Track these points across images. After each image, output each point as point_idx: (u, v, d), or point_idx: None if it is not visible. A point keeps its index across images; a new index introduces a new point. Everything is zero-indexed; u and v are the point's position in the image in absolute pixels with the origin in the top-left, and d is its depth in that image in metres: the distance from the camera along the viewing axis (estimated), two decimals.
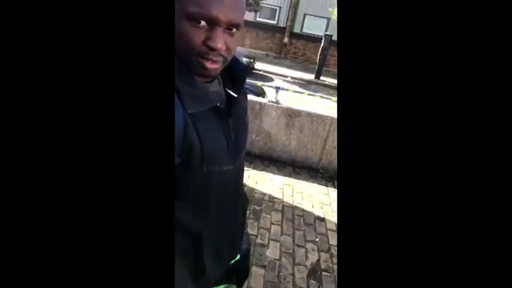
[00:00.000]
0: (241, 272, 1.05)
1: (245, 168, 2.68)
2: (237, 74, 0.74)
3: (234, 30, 0.59)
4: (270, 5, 14.52)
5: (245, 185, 2.98)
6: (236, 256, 0.98)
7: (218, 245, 0.81)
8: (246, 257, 1.05)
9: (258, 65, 11.04)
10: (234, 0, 0.56)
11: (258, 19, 15.18)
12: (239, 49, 11.13)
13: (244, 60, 9.76)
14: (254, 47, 15.41)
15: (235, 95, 0.73)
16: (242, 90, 0.75)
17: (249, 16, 14.49)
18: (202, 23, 0.56)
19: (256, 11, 13.08)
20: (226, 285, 1.05)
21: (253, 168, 3.37)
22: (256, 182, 3.09)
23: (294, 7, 14.32)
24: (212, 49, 0.57)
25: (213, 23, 0.56)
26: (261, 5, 12.51)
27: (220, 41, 0.57)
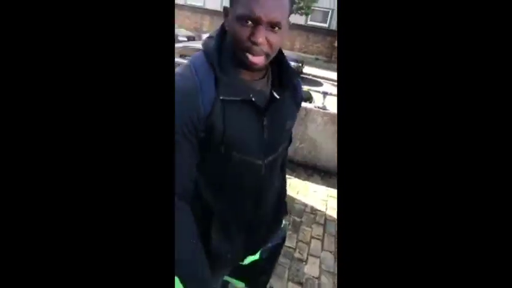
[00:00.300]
0: (260, 272, 1.07)
1: (287, 176, 2.55)
2: (283, 77, 0.84)
3: (276, 28, 0.69)
4: (322, 8, 14.30)
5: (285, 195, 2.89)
6: (255, 250, 1.02)
7: (229, 225, 0.89)
8: (268, 257, 1.07)
9: (307, 69, 10.90)
10: (275, 3, 0.67)
11: (309, 22, 15.02)
12: (288, 53, 11.10)
13: (292, 64, 9.69)
14: (304, 51, 15.26)
15: (278, 97, 0.81)
16: (288, 94, 0.85)
17: (299, 19, 14.40)
18: (249, 22, 0.68)
19: (307, 14, 12.96)
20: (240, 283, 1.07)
21: (296, 176, 3.26)
22: (298, 192, 2.98)
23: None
24: (255, 43, 0.69)
25: (256, 22, 0.67)
26: (312, 8, 12.38)
27: (261, 37, 0.68)
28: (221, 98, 0.74)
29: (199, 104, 0.73)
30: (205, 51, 0.78)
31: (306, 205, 2.79)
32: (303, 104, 3.41)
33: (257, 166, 0.84)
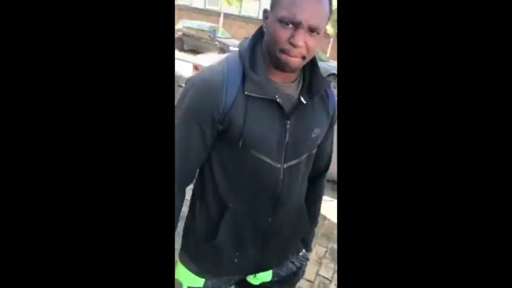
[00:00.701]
0: None
1: (327, 198, 2.44)
2: (314, 84, 0.85)
3: (315, 33, 0.73)
4: None
5: (326, 218, 2.79)
6: (267, 267, 1.00)
7: (241, 226, 0.89)
8: (281, 282, 1.04)
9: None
10: (316, 9, 0.71)
11: None
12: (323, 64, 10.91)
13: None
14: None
15: (304, 102, 0.83)
16: (318, 102, 0.87)
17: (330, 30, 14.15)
18: (290, 25, 0.71)
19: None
20: None
21: (330, 195, 3.14)
22: None
23: None
24: (294, 45, 0.72)
25: (297, 25, 0.71)
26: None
27: (300, 40, 0.71)
28: (246, 93, 0.77)
29: (222, 96, 0.76)
30: (240, 50, 0.83)
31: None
32: None
33: (275, 169, 0.84)
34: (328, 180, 3.43)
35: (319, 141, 0.92)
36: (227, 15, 16.55)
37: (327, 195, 3.14)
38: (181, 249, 0.97)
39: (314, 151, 0.93)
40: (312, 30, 0.71)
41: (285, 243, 1.00)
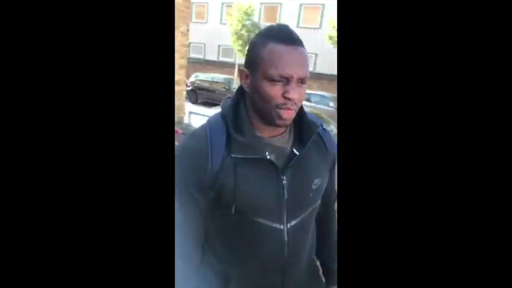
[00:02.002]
0: None
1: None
2: (303, 131, 0.86)
3: (304, 84, 0.78)
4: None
5: None
6: None
7: None
8: None
9: None
10: (302, 62, 0.76)
11: None
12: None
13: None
14: None
15: (297, 153, 0.83)
16: (313, 150, 0.87)
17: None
18: (280, 81, 0.75)
19: None
20: None
21: None
22: None
23: None
24: (289, 99, 0.75)
25: (288, 79, 0.75)
26: None
27: (295, 93, 0.75)
28: (232, 155, 0.78)
29: (208, 162, 0.77)
30: (222, 111, 0.85)
31: None
32: None
33: (278, 231, 0.82)
34: None
35: (322, 192, 0.91)
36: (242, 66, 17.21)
37: None
38: None
39: (318, 203, 0.90)
40: (301, 81, 0.76)
41: None
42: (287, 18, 16.58)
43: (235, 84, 12.57)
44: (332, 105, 9.72)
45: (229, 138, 0.79)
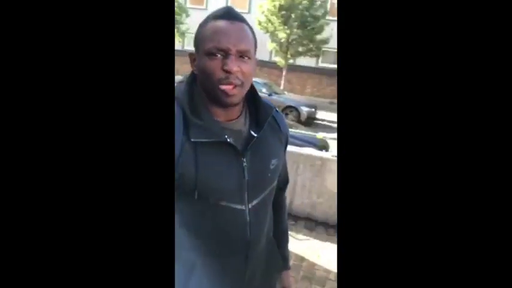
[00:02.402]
0: None
1: (305, 237, 2.49)
2: (259, 114, 0.90)
3: (246, 58, 0.79)
4: (334, 48, 14.89)
5: (304, 259, 2.79)
6: None
7: (215, 284, 0.89)
8: None
9: (321, 114, 11.09)
10: (241, 35, 0.79)
11: (321, 64, 15.59)
12: (299, 98, 11.38)
13: (304, 109, 9.88)
14: (317, 95, 15.65)
15: (255, 135, 0.86)
16: (269, 132, 0.92)
17: (310, 62, 14.97)
18: (218, 55, 0.77)
19: (317, 56, 13.49)
20: None
21: (315, 237, 3.17)
22: (319, 256, 2.88)
23: None
24: (228, 72, 0.76)
25: (226, 52, 0.77)
26: (323, 49, 12.91)
27: (234, 65, 0.76)
28: (192, 140, 0.79)
29: None
30: (176, 96, 0.83)
31: (329, 271, 2.68)
32: (318, 153, 3.42)
33: (240, 212, 0.86)
34: (299, 217, 3.47)
35: (279, 172, 0.96)
36: None
37: (301, 233, 3.18)
38: None
39: (275, 183, 0.96)
40: (242, 55, 0.78)
41: (260, 285, 1.01)
42: (214, 1, 16.43)
43: None
44: (265, 91, 9.86)
45: (186, 124, 0.80)
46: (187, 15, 14.73)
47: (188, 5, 16.13)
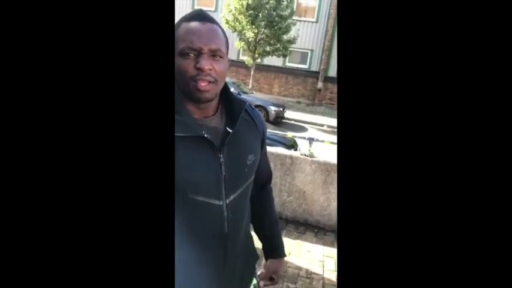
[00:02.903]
0: None
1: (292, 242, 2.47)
2: (233, 110, 0.94)
3: (218, 57, 0.84)
4: (301, 48, 15.13)
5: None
6: None
7: (195, 279, 0.91)
8: None
9: (289, 114, 11.21)
10: (211, 35, 0.83)
11: (288, 64, 15.76)
12: (267, 97, 11.44)
13: (273, 109, 9.96)
14: (284, 94, 15.81)
15: (230, 131, 0.89)
16: (245, 128, 0.95)
17: (277, 61, 15.10)
18: (191, 54, 0.81)
19: (285, 56, 13.63)
20: None
21: (286, 235, 3.22)
22: (290, 253, 2.92)
23: (328, 50, 14.81)
24: (201, 70, 0.80)
25: (198, 51, 0.81)
26: (290, 49, 13.06)
27: (206, 63, 0.80)
28: None
29: None
30: None
31: (300, 268, 2.73)
32: (288, 152, 3.47)
33: (218, 208, 0.89)
34: (289, 220, 3.50)
35: (255, 167, 1.00)
36: None
37: (309, 242, 3.21)
38: None
39: (252, 178, 1.00)
40: (214, 54, 0.82)
41: (240, 280, 1.05)
42: (179, 1, 16.20)
43: None
44: (233, 91, 9.80)
45: None
46: None
47: None
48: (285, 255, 1.22)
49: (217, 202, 0.88)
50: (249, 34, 12.48)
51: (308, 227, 3.41)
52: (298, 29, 13.65)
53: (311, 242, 3.17)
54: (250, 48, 12.84)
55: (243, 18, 12.31)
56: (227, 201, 0.90)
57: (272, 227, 1.18)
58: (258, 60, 13.41)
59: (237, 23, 12.47)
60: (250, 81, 13.79)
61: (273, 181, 3.35)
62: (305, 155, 3.39)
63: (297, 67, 15.75)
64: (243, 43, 12.81)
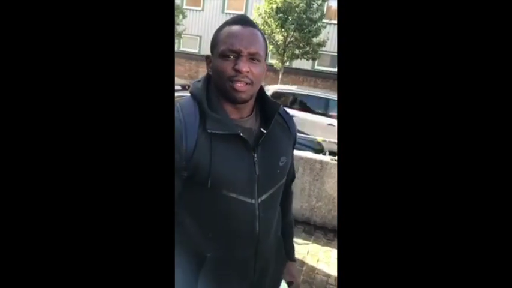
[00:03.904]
0: None
1: (304, 241, 2.50)
2: (267, 112, 0.96)
3: (256, 60, 0.86)
4: (331, 51, 14.98)
5: (304, 263, 2.79)
6: None
7: (222, 280, 0.91)
8: None
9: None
10: (252, 38, 0.86)
11: (317, 67, 15.65)
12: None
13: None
14: None
15: (265, 131, 0.92)
16: (279, 130, 0.98)
17: (306, 64, 15.02)
18: (231, 56, 0.84)
19: (314, 59, 13.53)
20: None
21: (314, 241, 3.17)
22: (318, 260, 2.88)
23: None
24: (239, 71, 0.84)
25: (238, 54, 0.84)
26: (319, 52, 12.96)
27: (244, 65, 0.84)
28: (208, 131, 0.84)
29: (182, 141, 0.83)
30: (192, 92, 0.92)
31: (328, 276, 2.68)
32: (317, 157, 3.43)
33: (250, 206, 0.91)
34: (298, 221, 3.47)
35: (287, 169, 1.03)
36: None
37: (300, 237, 3.18)
38: None
39: (284, 180, 1.02)
40: (252, 57, 0.85)
41: (270, 280, 1.06)
42: (211, 2, 16.41)
43: None
44: None
45: (203, 117, 0.86)
46: (184, 17, 14.71)
47: (185, 6, 16.09)
48: (295, 260, 1.23)
49: (249, 200, 0.90)
50: (278, 37, 12.48)
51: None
52: (328, 32, 13.53)
53: None
54: (279, 51, 12.82)
55: (272, 21, 12.32)
56: (259, 200, 0.92)
57: (286, 229, 1.18)
58: (287, 63, 13.38)
59: (266, 27, 12.49)
60: (279, 82, 13.77)
61: (301, 186, 3.35)
62: (335, 160, 3.34)
63: (327, 70, 15.62)
64: (271, 46, 12.82)
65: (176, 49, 16.63)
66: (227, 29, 0.87)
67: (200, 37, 16.38)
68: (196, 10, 16.50)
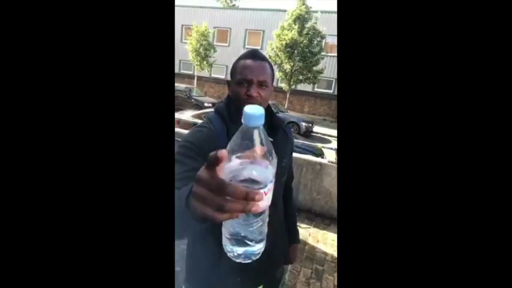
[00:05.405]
0: None
1: (306, 226, 2.45)
2: (273, 123, 0.98)
3: (264, 86, 0.87)
4: (327, 77, 14.92)
5: (306, 243, 2.74)
6: (264, 281, 1.01)
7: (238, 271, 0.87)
8: None
9: (316, 129, 10.99)
10: (260, 70, 0.87)
11: (316, 89, 15.58)
12: (300, 115, 11.32)
13: (303, 124, 9.81)
14: (312, 113, 15.64)
15: (271, 140, 0.88)
16: (281, 138, 0.98)
17: (308, 87, 14.97)
18: (244, 84, 0.86)
19: (314, 83, 13.49)
20: None
21: (314, 226, 3.12)
22: (318, 241, 2.82)
23: None
24: (250, 96, 0.85)
25: (250, 82, 0.86)
26: (318, 78, 12.92)
27: (254, 92, 0.85)
28: None
29: (212, 146, 0.78)
30: (217, 109, 0.94)
31: (326, 254, 2.62)
32: (318, 159, 3.38)
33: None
34: (301, 210, 3.43)
35: (287, 169, 1.06)
36: (199, 78, 16.99)
37: (303, 223, 3.13)
38: (185, 281, 0.98)
39: (285, 177, 1.06)
40: (261, 84, 0.87)
41: (278, 257, 1.07)
42: (235, 40, 16.56)
43: (195, 92, 12.34)
44: (273, 110, 9.83)
45: (228, 130, 0.88)
46: (215, 51, 14.87)
47: (215, 42, 16.26)
48: (299, 242, 1.24)
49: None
50: (286, 66, 12.52)
51: (333, 221, 3.28)
52: (326, 62, 13.45)
53: (335, 232, 3.04)
54: (287, 77, 12.85)
55: (282, 54, 12.38)
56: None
57: (290, 218, 1.20)
58: (293, 87, 13.36)
59: (277, 58, 12.56)
60: (286, 103, 13.75)
61: (304, 182, 3.30)
62: (331, 162, 3.29)
63: (324, 92, 15.53)
64: (281, 73, 12.85)
65: (208, 75, 16.82)
66: (242, 62, 0.88)
67: (226, 66, 16.51)
68: (224, 46, 16.70)
